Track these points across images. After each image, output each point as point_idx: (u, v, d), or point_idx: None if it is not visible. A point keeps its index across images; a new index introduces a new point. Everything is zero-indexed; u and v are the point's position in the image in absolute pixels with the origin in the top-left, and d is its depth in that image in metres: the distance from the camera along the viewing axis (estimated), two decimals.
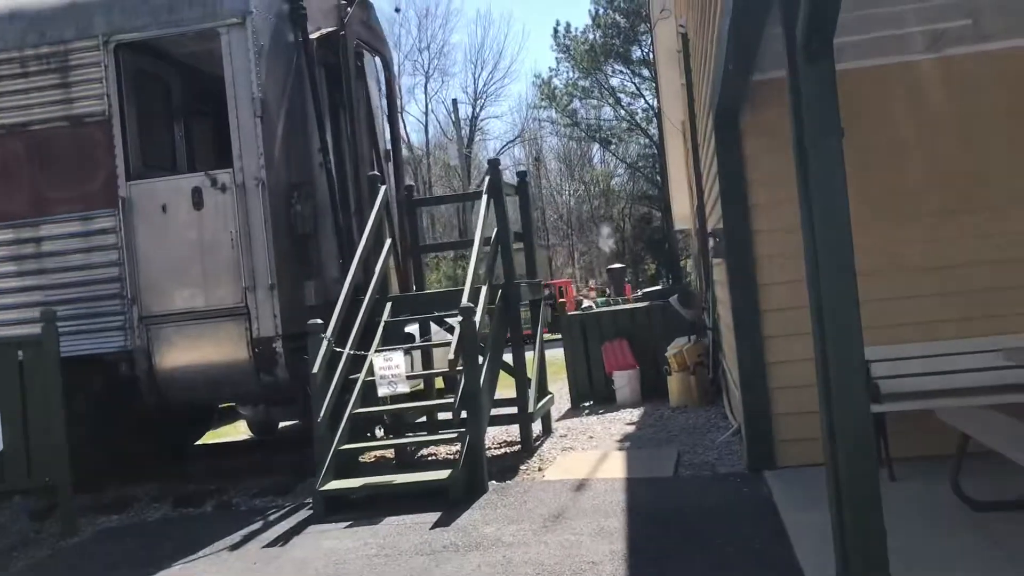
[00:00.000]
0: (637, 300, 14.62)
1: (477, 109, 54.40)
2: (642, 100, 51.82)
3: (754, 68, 5.16)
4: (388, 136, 9.54)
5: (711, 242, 6.54)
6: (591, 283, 38.25)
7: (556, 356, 12.03)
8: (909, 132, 6.06)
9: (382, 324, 7.67)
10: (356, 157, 8.54)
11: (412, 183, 9.23)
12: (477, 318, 6.66)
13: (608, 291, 24.16)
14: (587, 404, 10.91)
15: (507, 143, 56.35)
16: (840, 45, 5.93)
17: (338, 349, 6.81)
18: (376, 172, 8.34)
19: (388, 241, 8.17)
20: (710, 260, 10.67)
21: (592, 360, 10.94)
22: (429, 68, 53.84)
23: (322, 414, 6.50)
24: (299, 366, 7.26)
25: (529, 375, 8.35)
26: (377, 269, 7.80)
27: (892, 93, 6.09)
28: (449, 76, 72.73)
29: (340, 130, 8.68)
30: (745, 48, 4.49)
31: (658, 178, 50.83)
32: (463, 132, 52.77)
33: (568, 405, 11.13)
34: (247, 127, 7.47)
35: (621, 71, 51.64)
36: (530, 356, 8.33)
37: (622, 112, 52.22)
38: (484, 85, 54.61)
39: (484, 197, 7.76)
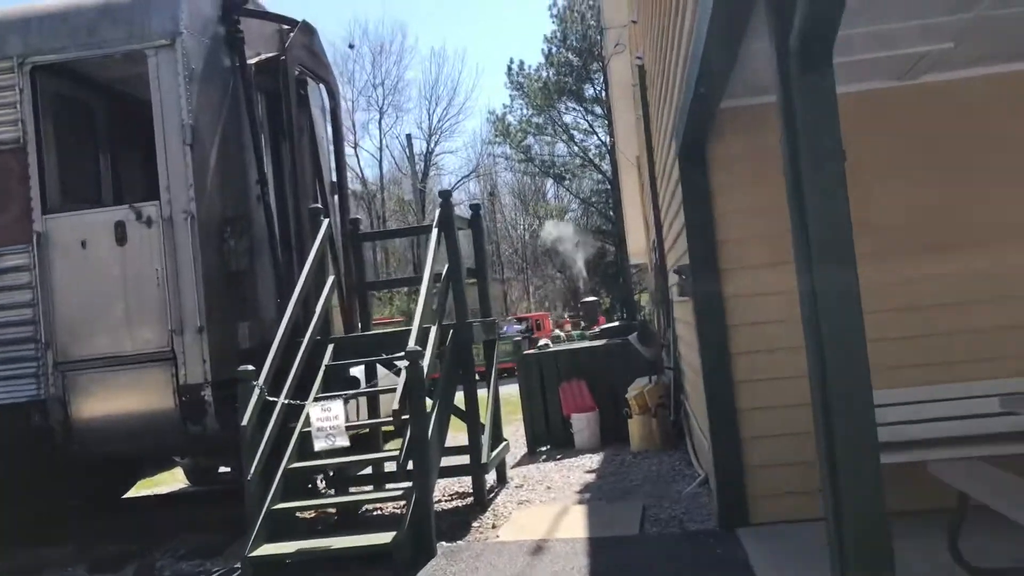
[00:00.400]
0: (595, 337, 14.16)
1: (432, 144, 54.15)
2: (595, 137, 51.98)
3: (725, 93, 4.75)
4: (334, 167, 8.99)
5: (676, 279, 6.11)
6: (567, 316, 37.72)
7: (514, 393, 11.52)
8: (876, 164, 5.70)
9: (322, 368, 7.08)
10: (298, 189, 7.99)
11: (359, 216, 8.65)
12: (426, 363, 6.11)
13: (583, 324, 23.96)
14: (544, 448, 10.37)
15: (462, 178, 56.09)
16: None
17: (272, 398, 6.21)
18: (319, 205, 7.78)
19: (331, 278, 7.61)
20: (670, 297, 10.28)
21: (549, 401, 10.43)
22: (383, 104, 53.53)
23: (252, 470, 5.89)
24: (231, 415, 6.63)
25: (483, 420, 7.81)
26: (318, 308, 7.22)
27: (854, 123, 5.74)
28: (403, 112, 72.53)
29: (281, 161, 8.13)
30: (720, 68, 4.07)
31: (611, 213, 50.85)
32: (418, 167, 52.35)
33: (524, 449, 10.59)
34: (176, 156, 6.89)
35: (574, 108, 51.77)
36: (482, 393, 7.79)
37: (575, 148, 52.29)
38: (438, 121, 54.44)
39: (434, 231, 7.25)
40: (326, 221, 7.60)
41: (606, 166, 51.34)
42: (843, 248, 2.80)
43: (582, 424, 9.99)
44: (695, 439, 8.14)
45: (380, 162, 53.56)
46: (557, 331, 28.28)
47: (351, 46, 52.42)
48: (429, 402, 6.62)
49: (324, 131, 8.89)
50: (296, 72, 8.24)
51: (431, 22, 76.48)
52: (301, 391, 6.71)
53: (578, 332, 19.77)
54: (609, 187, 50.93)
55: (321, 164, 8.75)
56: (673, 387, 9.86)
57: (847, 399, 2.87)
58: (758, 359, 5.76)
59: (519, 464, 9.64)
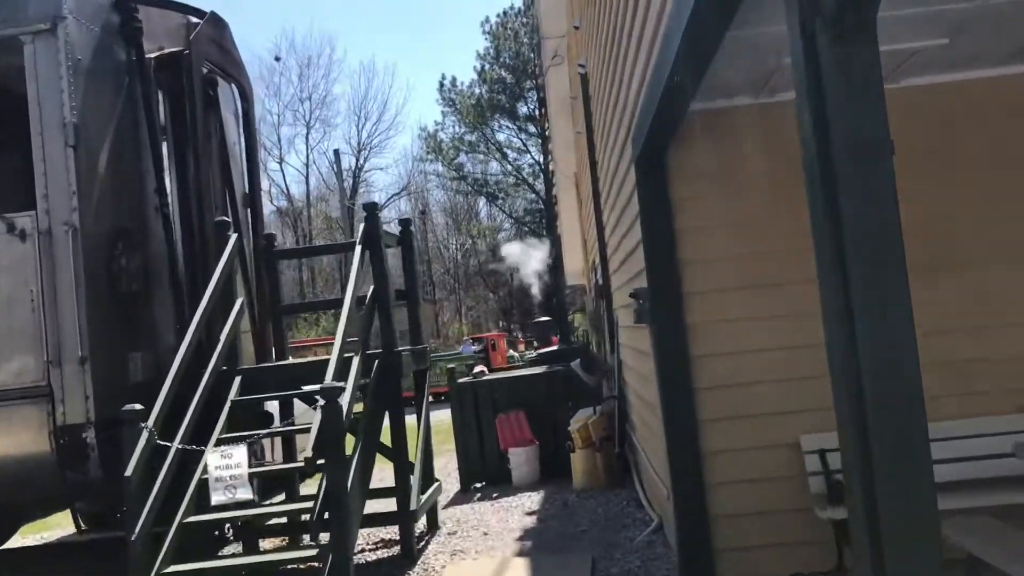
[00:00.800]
0: (532, 362, 13.42)
1: (361, 160, 53.09)
2: (528, 155, 51.62)
3: (699, 87, 4.07)
4: (246, 177, 8.10)
5: (632, 303, 5.41)
6: (519, 336, 36.87)
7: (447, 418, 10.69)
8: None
9: (227, 405, 6.19)
10: (203, 200, 7.09)
11: (274, 232, 7.77)
12: (345, 400, 5.28)
13: (536, 344, 23.24)
14: (479, 485, 9.57)
15: (392, 195, 55.09)
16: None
17: (164, 442, 5.30)
18: (226, 218, 6.89)
19: (240, 300, 6.72)
20: (616, 320, 9.61)
21: (485, 434, 9.64)
22: (310, 118, 52.34)
23: (138, 530, 4.97)
24: (119, 461, 5.69)
25: (413, 458, 6.99)
26: (223, 334, 6.33)
27: None
28: (331, 127, 71.14)
29: (185, 168, 7.22)
30: (700, 53, 3.37)
31: (545, 233, 50.47)
32: (346, 184, 51.20)
33: (457, 486, 9.77)
34: (56, 159, 5.96)
35: (507, 126, 51.38)
36: (411, 420, 6.98)
37: (509, 167, 51.83)
38: (368, 136, 53.42)
39: (358, 248, 6.43)
40: (234, 236, 6.72)
41: (540, 185, 50.98)
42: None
43: (520, 459, 9.22)
44: (645, 477, 7.44)
45: (307, 178, 52.32)
46: (512, 352, 27.94)
47: (277, 59, 51.27)
48: (351, 440, 5.79)
49: (236, 136, 8.01)
50: (205, 70, 7.36)
51: (360, 35, 75.45)
52: (203, 431, 5.82)
53: (532, 354, 19.27)
54: (543, 206, 50.56)
55: (232, 173, 7.85)
56: (618, 417, 9.18)
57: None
58: (728, 395, 5.08)
59: (452, 504, 8.82)
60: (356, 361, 5.92)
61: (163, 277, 6.74)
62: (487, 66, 50.16)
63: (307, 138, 53.06)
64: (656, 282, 5.18)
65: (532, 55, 48.83)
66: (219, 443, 5.69)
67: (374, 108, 72.04)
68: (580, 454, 8.63)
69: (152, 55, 6.91)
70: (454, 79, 51.44)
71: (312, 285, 51.26)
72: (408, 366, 6.85)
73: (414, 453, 7.17)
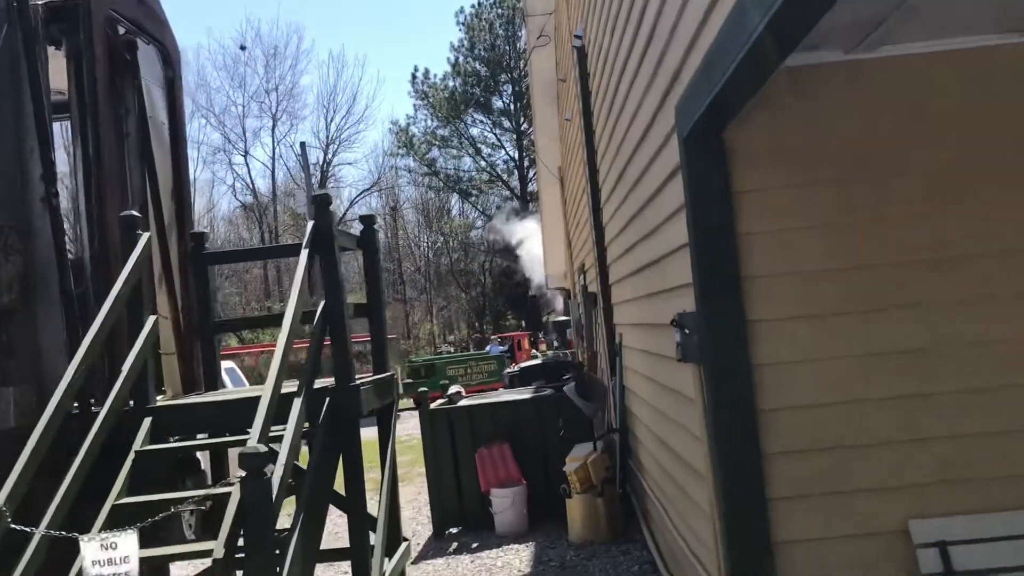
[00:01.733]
0: (512, 378, 11.97)
1: (329, 155, 51.31)
2: (503, 151, 50.19)
3: (806, 34, 2.62)
4: (170, 162, 6.54)
5: (677, 336, 3.98)
6: (541, 336, 35.33)
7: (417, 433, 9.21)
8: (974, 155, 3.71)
9: (130, 457, 4.69)
10: (105, 190, 5.55)
11: (204, 231, 6.24)
12: (277, 474, 3.79)
13: (556, 344, 21.97)
14: (455, 531, 8.13)
15: (362, 191, 53.36)
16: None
17: (21, 527, 3.78)
18: (133, 212, 5.34)
19: (153, 318, 5.20)
20: (616, 338, 8.19)
21: (463, 470, 8.18)
22: (277, 110, 50.48)
23: None
24: None
25: (378, 508, 5.53)
26: (128, 362, 4.82)
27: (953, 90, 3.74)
28: (299, 119, 69.09)
29: (86, 149, 5.68)
30: None
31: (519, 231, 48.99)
32: (314, 179, 49.42)
33: (429, 530, 8.32)
34: None
35: (481, 121, 49.88)
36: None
37: (482, 163, 50.33)
38: (337, 130, 51.62)
39: (304, 252, 4.94)
40: (145, 236, 5.20)
41: (515, 182, 49.56)
42: None
43: (505, 503, 7.76)
44: (660, 534, 6.02)
45: (272, 172, 50.47)
46: (535, 351, 27.15)
47: (243, 48, 49.38)
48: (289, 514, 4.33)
49: (160, 113, 6.45)
50: (112, 21, 5.82)
51: (329, 24, 73.49)
52: (95, 496, 4.33)
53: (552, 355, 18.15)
54: (517, 204, 49.11)
55: (154, 158, 6.31)
56: (619, 450, 7.77)
57: None
58: (809, 463, 3.68)
59: (423, 557, 7.39)
60: (297, 403, 4.42)
61: (51, 288, 5.20)
62: (461, 58, 48.66)
63: (273, 131, 51.09)
64: (710, 306, 3.75)
65: (508, 47, 47.40)
66: (113, 517, 4.21)
67: (343, 101, 70.24)
68: (578, 500, 7.20)
69: (41, 1, 5.38)
70: (427, 71, 49.99)
71: (279, 284, 49.45)
72: (369, 403, 5.37)
73: (380, 500, 5.70)
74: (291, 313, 4.56)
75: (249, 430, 4.13)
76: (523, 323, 46.05)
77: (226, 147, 51.06)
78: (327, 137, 51.32)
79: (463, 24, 48.18)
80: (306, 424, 4.68)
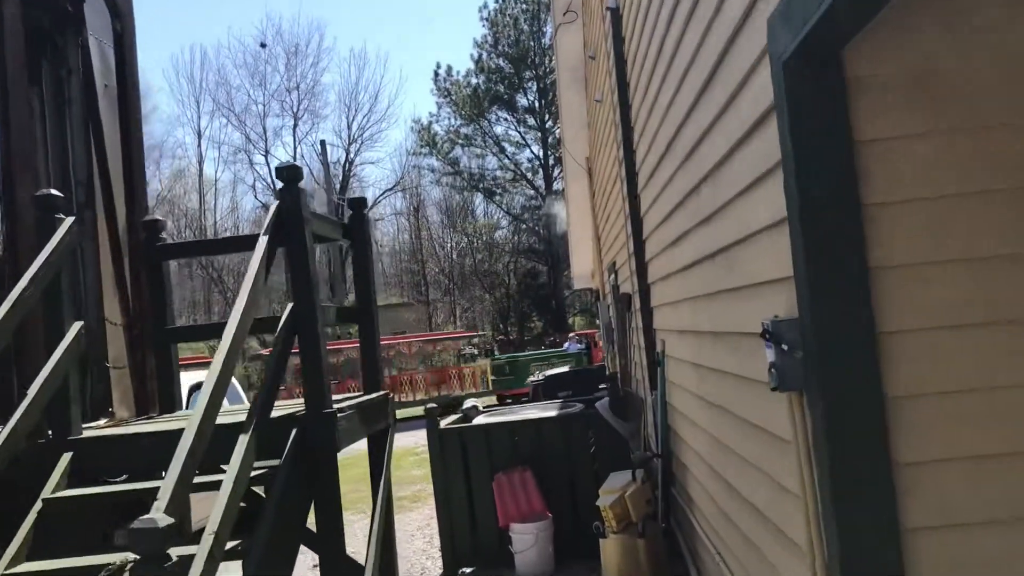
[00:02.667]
0: (535, 387, 10.79)
1: (352, 154, 50.42)
2: (527, 150, 49.06)
3: None
4: (120, 137, 5.41)
5: (770, 352, 2.80)
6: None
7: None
8: None
9: (36, 507, 3.58)
10: (12, 163, 4.43)
11: (161, 218, 5.10)
12: (199, 560, 2.64)
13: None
14: (469, 571, 6.96)
15: (385, 191, 52.46)
16: None
17: None
18: (51, 191, 4.20)
19: (76, 325, 4.08)
20: (658, 347, 7.01)
21: (477, 499, 7.02)
22: (298, 109, 49.71)
23: None
24: None
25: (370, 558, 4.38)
26: (39, 381, 3.71)
27: None
28: (320, 118, 68.21)
29: (7, 115, 4.58)
30: None
31: (543, 231, 47.78)
32: (336, 177, 48.52)
33: (440, 567, 7.18)
34: None
35: (505, 118, 48.80)
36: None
37: (507, 162, 49.20)
38: (359, 129, 50.74)
39: (261, 240, 3.80)
40: (67, 221, 4.08)
41: (540, 181, 48.39)
42: None
43: (528, 540, 6.59)
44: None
45: None
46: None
47: (263, 45, 48.66)
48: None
49: (108, 78, 5.33)
50: None
51: (351, 21, 72.73)
52: None
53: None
54: (542, 203, 47.92)
55: (103, 133, 5.20)
56: (661, 478, 6.59)
57: None
58: (978, 545, 2.47)
59: None
60: (243, 441, 3.27)
61: None
62: (485, 55, 47.58)
63: (295, 130, 50.34)
64: (821, 311, 2.55)
65: (533, 43, 46.23)
66: None
67: (365, 99, 69.35)
68: (615, 541, 6.00)
69: None
70: (449, 68, 48.84)
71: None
72: (351, 433, 4.21)
73: (370, 552, 4.54)
74: (236, 319, 3.41)
75: (225, 467, 3.03)
76: (546, 326, 44.93)
77: (247, 147, 50.37)
78: (349, 136, 50.54)
79: (487, 20, 47.12)
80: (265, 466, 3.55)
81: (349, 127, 50.80)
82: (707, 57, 3.67)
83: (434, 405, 7.53)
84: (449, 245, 53.18)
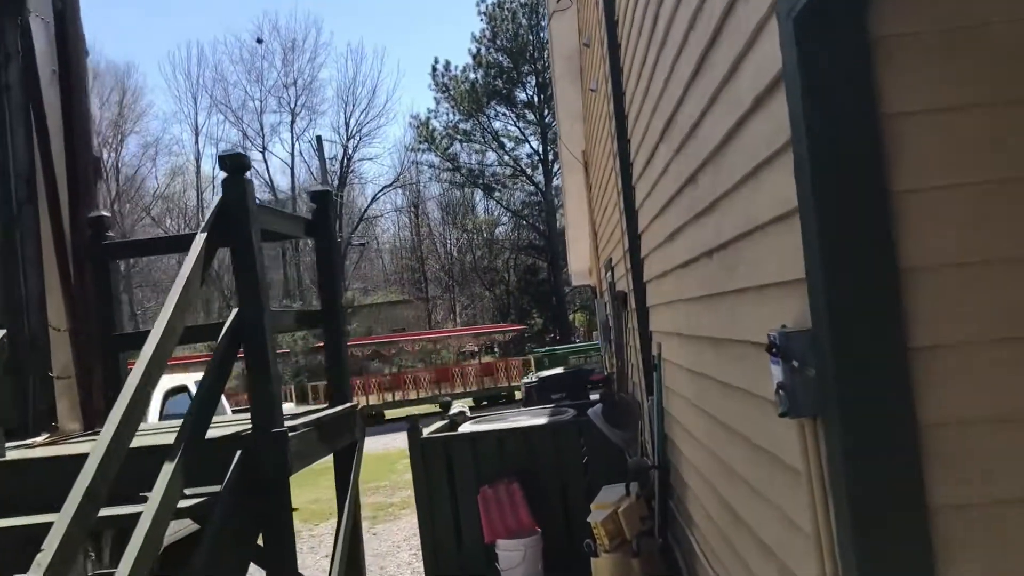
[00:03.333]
0: (529, 388, 10.33)
1: (350, 150, 49.95)
2: (527, 145, 48.60)
3: None
4: (62, 120, 4.95)
5: (777, 371, 2.35)
6: None
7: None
8: None
9: None
10: None
11: (106, 213, 4.64)
12: None
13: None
14: None
15: (383, 187, 52.00)
16: None
17: None
18: None
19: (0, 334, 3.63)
20: (652, 348, 6.56)
21: (462, 511, 6.58)
22: (296, 105, 49.23)
23: None
24: None
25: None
26: None
27: None
28: (318, 114, 67.63)
29: None
30: None
31: (543, 227, 47.29)
32: (334, 173, 48.04)
33: None
34: None
35: (504, 114, 48.32)
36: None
37: (506, 157, 48.72)
38: (357, 125, 50.26)
39: (199, 238, 3.35)
40: None
41: (539, 176, 47.92)
42: None
43: (515, 557, 6.14)
44: None
45: (292, 168, 49.28)
46: None
47: (259, 41, 48.16)
48: None
49: (49, 46, 4.86)
50: None
51: (348, 16, 72.17)
52: None
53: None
54: (542, 199, 47.46)
55: (47, 123, 4.75)
56: (658, 491, 6.15)
57: None
58: None
59: None
60: (168, 471, 2.82)
61: None
62: (483, 49, 47.04)
63: (292, 126, 49.85)
64: (840, 321, 2.09)
65: (531, 37, 45.70)
66: None
67: (363, 94, 68.99)
68: (608, 561, 5.56)
69: None
70: (448, 63, 48.38)
71: (299, 284, 48.19)
72: (307, 453, 3.76)
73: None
74: (162, 326, 2.96)
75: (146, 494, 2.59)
76: (546, 323, 44.49)
77: (244, 143, 49.90)
78: (347, 132, 50.06)
79: (485, 14, 46.61)
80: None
81: (347, 123, 50.38)
82: (707, 19, 3.21)
83: (461, 409, 7.07)
84: (449, 242, 52.75)
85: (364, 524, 9.98)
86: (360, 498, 10.08)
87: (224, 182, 3.57)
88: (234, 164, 3.56)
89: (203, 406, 3.14)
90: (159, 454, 2.95)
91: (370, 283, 52.32)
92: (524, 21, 45.69)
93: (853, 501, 2.10)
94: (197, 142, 50.02)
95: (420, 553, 7.74)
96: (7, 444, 4.38)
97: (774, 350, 2.26)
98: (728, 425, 3.65)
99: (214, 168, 55.91)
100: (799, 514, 2.55)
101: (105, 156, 45.88)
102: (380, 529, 9.56)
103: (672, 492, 6.12)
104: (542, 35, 44.36)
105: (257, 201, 3.66)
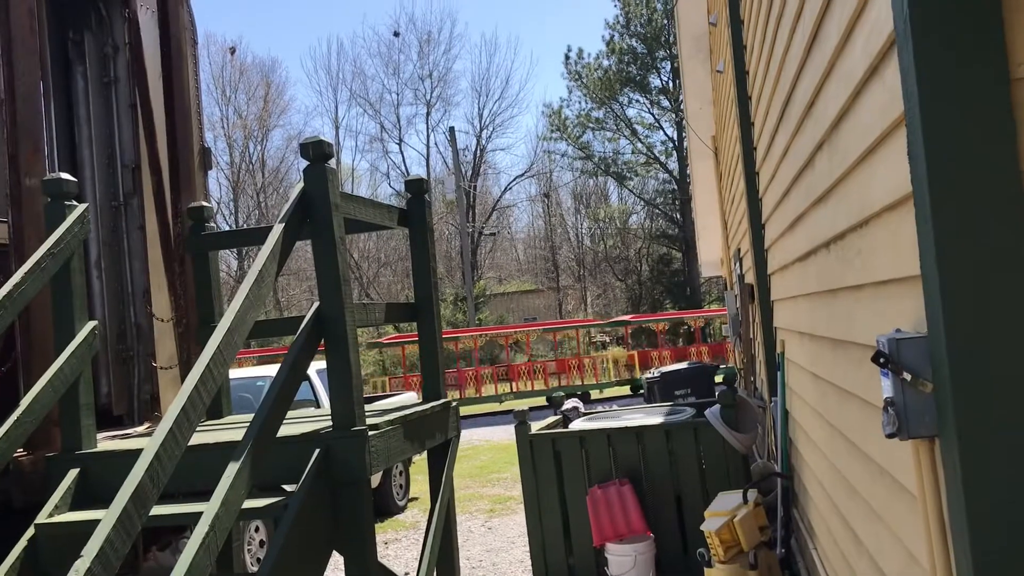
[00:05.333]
0: (651, 386, 9.96)
1: (483, 141, 50.28)
2: (661, 132, 47.62)
3: None
4: (164, 112, 4.98)
5: (887, 386, 2.02)
6: None
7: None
8: None
9: (28, 535, 3.16)
10: (17, 141, 4.02)
11: (205, 203, 4.62)
12: None
13: None
14: None
15: (516, 177, 52.16)
16: None
17: None
18: (61, 175, 3.76)
19: (90, 325, 3.63)
20: (777, 347, 6.13)
21: (572, 512, 6.35)
22: (431, 97, 49.90)
23: None
24: None
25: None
26: (38, 386, 3.30)
27: None
28: (452, 106, 68.43)
29: (12, 86, 4.19)
30: None
31: (678, 216, 46.33)
32: (468, 164, 48.54)
33: None
34: None
35: (637, 100, 47.49)
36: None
37: (639, 145, 47.91)
38: (490, 115, 50.57)
39: (277, 228, 3.24)
40: (79, 208, 3.64)
41: (673, 164, 46.95)
42: None
43: (626, 563, 5.86)
44: None
45: (427, 159, 49.98)
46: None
47: (396, 34, 49.06)
48: None
49: (152, 34, 4.89)
50: None
51: (482, 7, 72.59)
52: None
53: None
54: (676, 187, 46.50)
55: (152, 115, 4.79)
56: (781, 500, 5.75)
57: None
58: None
59: None
60: (234, 467, 2.71)
61: None
62: (616, 36, 46.37)
63: (427, 118, 50.59)
64: (962, 326, 1.74)
65: (666, 21, 44.70)
66: None
67: (496, 85, 69.44)
68: (722, 572, 5.20)
69: None
70: (580, 51, 47.99)
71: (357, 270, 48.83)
72: (392, 452, 3.61)
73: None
74: (228, 321, 2.85)
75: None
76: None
77: (381, 136, 51.06)
78: (480, 122, 50.40)
79: (618, 0, 45.90)
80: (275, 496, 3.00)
81: (480, 113, 50.73)
82: None
83: (525, 408, 6.86)
84: (581, 231, 52.45)
85: (480, 517, 9.92)
86: (478, 490, 9.95)
87: (305, 171, 3.45)
88: (316, 152, 3.43)
89: (276, 402, 3.02)
90: (228, 451, 2.85)
91: (503, 272, 52.66)
92: (658, 5, 44.75)
93: (975, 541, 1.75)
94: (337, 135, 51.51)
95: (522, 547, 7.61)
96: (110, 433, 4.45)
97: (882, 360, 1.91)
98: (847, 436, 3.27)
99: (353, 161, 57.54)
100: (915, 543, 2.20)
101: (251, 149, 47.88)
102: (496, 523, 9.44)
103: (797, 500, 5.71)
104: (677, 17, 43.33)
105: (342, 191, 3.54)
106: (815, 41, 3.12)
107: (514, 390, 25.66)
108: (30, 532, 3.22)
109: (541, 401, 23.30)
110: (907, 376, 1.87)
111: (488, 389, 25.89)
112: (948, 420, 1.79)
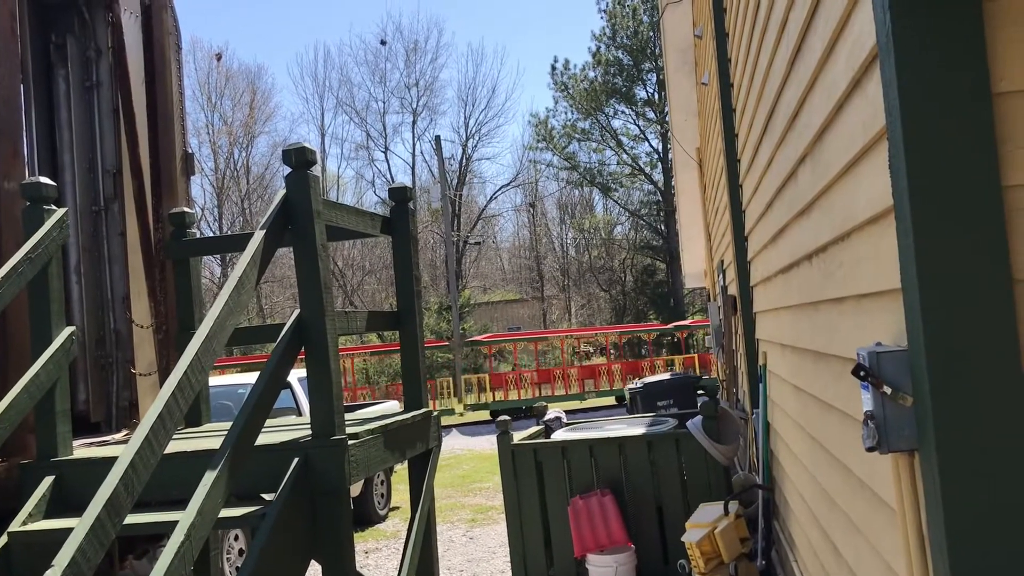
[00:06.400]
0: (633, 396, 9.96)
1: (469, 150, 50.31)
2: (646, 144, 47.76)
3: None
4: (147, 113, 4.95)
5: (867, 400, 2.01)
6: None
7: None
8: None
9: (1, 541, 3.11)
10: (11, 148, 3.99)
11: (187, 209, 4.58)
12: None
13: None
14: None
15: (501, 187, 52.21)
16: None
17: None
18: (39, 179, 3.71)
19: (67, 331, 3.59)
20: (758, 359, 6.14)
21: (553, 523, 6.33)
22: (417, 105, 49.90)
23: None
24: None
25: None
26: (14, 392, 3.25)
27: None
28: (438, 115, 68.45)
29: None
30: None
31: (663, 227, 46.46)
32: (454, 173, 48.53)
33: None
34: None
35: (623, 112, 47.60)
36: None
37: (624, 156, 48.05)
38: (476, 124, 50.60)
39: (258, 234, 3.22)
40: (59, 213, 3.60)
41: (658, 175, 47.11)
42: None
43: (607, 573, 5.84)
44: None
45: (412, 168, 49.93)
46: None
47: (383, 42, 49.02)
48: None
49: (135, 34, 4.85)
50: None
51: (469, 16, 72.78)
52: None
53: None
54: (660, 199, 46.65)
55: (135, 120, 4.76)
56: (761, 509, 5.75)
57: None
58: None
59: None
60: (209, 479, 2.68)
61: None
62: (603, 47, 46.51)
63: (413, 127, 50.56)
64: (941, 340, 1.74)
65: (652, 33, 44.90)
66: None
67: (482, 94, 69.58)
68: None
69: None
70: (567, 62, 48.05)
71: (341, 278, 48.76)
72: (372, 462, 3.58)
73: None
74: (206, 328, 2.83)
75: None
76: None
77: (367, 144, 51.00)
78: (466, 132, 50.42)
79: (604, 12, 46.10)
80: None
81: (466, 122, 50.77)
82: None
83: (506, 418, 6.84)
84: (566, 241, 52.51)
85: (462, 527, 9.88)
86: (460, 499, 9.91)
87: (287, 177, 3.43)
88: (299, 159, 3.41)
89: (255, 410, 3.00)
90: (205, 459, 2.82)
91: (488, 281, 52.62)
92: (645, 18, 44.98)
93: (954, 559, 1.75)
94: (323, 143, 51.39)
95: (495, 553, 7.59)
96: (87, 440, 4.40)
97: (863, 373, 1.91)
98: (827, 449, 3.27)
99: (339, 168, 57.44)
100: (895, 559, 2.20)
101: (236, 155, 47.70)
102: (477, 533, 9.40)
103: (777, 512, 5.71)
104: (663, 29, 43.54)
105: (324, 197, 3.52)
106: (799, 54, 3.14)
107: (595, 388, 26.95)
108: (3, 540, 3.18)
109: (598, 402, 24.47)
110: (887, 389, 1.88)
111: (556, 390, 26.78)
112: (928, 434, 1.79)
